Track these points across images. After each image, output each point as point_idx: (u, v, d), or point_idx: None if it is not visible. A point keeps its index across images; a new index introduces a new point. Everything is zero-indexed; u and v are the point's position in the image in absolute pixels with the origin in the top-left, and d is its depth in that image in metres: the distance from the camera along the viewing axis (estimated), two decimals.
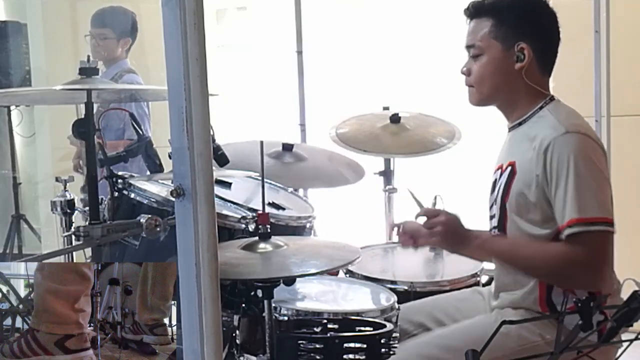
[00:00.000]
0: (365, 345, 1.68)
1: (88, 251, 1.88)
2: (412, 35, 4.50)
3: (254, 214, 1.97)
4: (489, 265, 2.29)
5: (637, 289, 1.27)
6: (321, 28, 4.60)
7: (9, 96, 2.54)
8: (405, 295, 2.20)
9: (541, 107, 1.96)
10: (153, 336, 1.45)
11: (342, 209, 4.00)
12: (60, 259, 1.84)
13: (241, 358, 1.86)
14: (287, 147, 2.61)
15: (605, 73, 3.20)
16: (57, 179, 2.08)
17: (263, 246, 1.75)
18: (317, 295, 2.03)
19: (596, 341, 1.45)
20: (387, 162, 2.99)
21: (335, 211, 3.55)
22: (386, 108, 3.00)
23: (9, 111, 4.38)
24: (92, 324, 1.47)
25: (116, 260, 1.84)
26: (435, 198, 2.40)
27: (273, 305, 1.71)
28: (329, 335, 1.74)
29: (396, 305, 1.92)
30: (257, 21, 5.07)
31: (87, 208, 1.81)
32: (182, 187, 1.17)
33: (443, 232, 1.94)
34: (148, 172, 2.21)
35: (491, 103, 2.05)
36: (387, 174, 2.99)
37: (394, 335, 1.75)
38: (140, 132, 2.18)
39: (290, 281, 1.74)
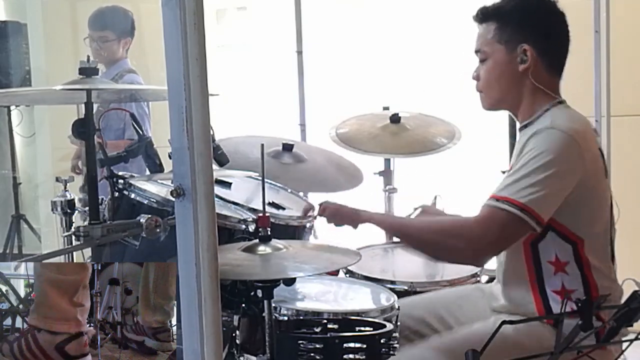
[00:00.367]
0: (365, 345, 1.68)
1: (88, 251, 1.88)
2: (412, 36, 4.50)
3: (254, 215, 1.97)
4: (489, 265, 2.29)
5: (637, 289, 1.27)
6: (321, 28, 4.60)
7: (9, 96, 2.54)
8: (405, 296, 2.20)
9: (547, 110, 1.96)
10: (155, 341, 1.45)
11: None
12: (60, 259, 1.84)
13: (241, 358, 1.86)
14: (287, 147, 2.61)
15: (605, 73, 3.20)
16: (57, 179, 2.08)
17: (263, 249, 1.74)
18: (317, 295, 2.03)
19: (593, 342, 1.45)
20: (387, 162, 2.99)
21: None
22: (386, 108, 3.00)
23: (9, 111, 4.38)
24: (92, 324, 1.47)
25: (116, 260, 1.84)
26: (435, 198, 2.40)
27: (273, 305, 1.71)
28: (329, 335, 1.74)
29: (396, 305, 1.92)
30: (257, 21, 5.08)
31: (87, 208, 1.81)
32: (182, 187, 1.17)
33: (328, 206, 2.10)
34: (148, 172, 2.21)
35: (501, 107, 2.06)
36: (387, 174, 2.99)
37: (394, 335, 1.75)
38: (141, 132, 2.18)
39: (290, 281, 1.73)
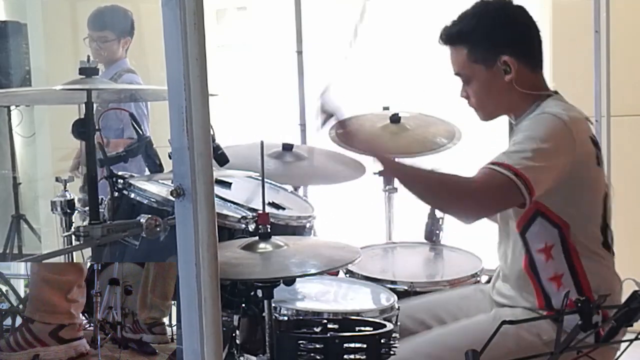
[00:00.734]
0: (365, 345, 1.68)
1: (88, 251, 1.88)
2: (412, 36, 4.50)
3: (254, 214, 1.98)
4: (489, 265, 2.29)
5: (637, 289, 1.27)
6: (321, 28, 4.60)
7: (9, 96, 2.54)
8: (405, 296, 2.20)
9: (539, 104, 1.97)
10: (152, 335, 1.46)
11: (342, 209, 4.00)
12: (60, 259, 1.84)
13: (241, 358, 1.86)
14: (287, 147, 2.61)
15: (605, 73, 3.20)
16: (57, 179, 2.08)
17: (263, 246, 1.75)
18: (317, 295, 2.03)
19: (594, 341, 1.45)
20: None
21: (335, 211, 3.55)
22: (386, 108, 3.00)
23: (9, 111, 4.38)
24: (92, 324, 1.47)
25: (116, 260, 1.84)
26: None
27: (273, 305, 1.71)
28: (329, 335, 1.74)
29: (396, 305, 1.92)
30: (257, 21, 5.07)
31: (86, 208, 1.81)
32: (182, 187, 1.17)
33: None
34: (148, 172, 2.21)
35: (499, 115, 2.07)
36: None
37: (393, 335, 1.75)
38: (140, 132, 2.18)
39: (290, 281, 1.74)
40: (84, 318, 1.47)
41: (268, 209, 1.84)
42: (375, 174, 2.45)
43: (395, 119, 2.82)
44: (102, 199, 1.89)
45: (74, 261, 1.91)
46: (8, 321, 1.50)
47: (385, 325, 1.76)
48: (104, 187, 1.91)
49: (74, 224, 1.97)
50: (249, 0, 5.16)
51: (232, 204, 2.10)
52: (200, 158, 1.17)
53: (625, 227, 1.93)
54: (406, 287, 2.24)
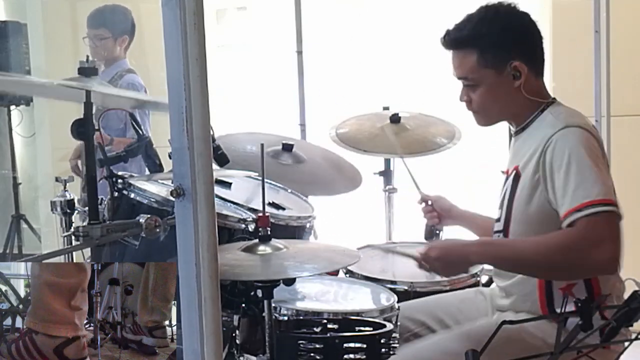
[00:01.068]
0: (365, 345, 1.68)
1: (88, 251, 1.88)
2: (412, 35, 4.50)
3: (254, 215, 1.97)
4: (489, 265, 2.29)
5: (637, 289, 1.27)
6: (321, 28, 4.60)
7: (8, 83, 2.47)
8: (405, 296, 2.20)
9: (542, 110, 1.97)
10: (152, 338, 1.45)
11: (342, 209, 4.00)
12: (60, 259, 1.84)
13: (241, 358, 1.86)
14: (287, 147, 2.61)
15: (605, 73, 3.20)
16: (57, 179, 2.09)
17: (263, 249, 1.74)
18: (317, 295, 2.03)
19: (597, 341, 1.45)
20: (387, 162, 2.99)
21: (335, 211, 3.55)
22: (386, 108, 3.00)
23: (9, 111, 4.39)
24: (92, 324, 1.47)
25: (116, 260, 1.84)
26: None
27: (273, 305, 1.71)
28: (329, 335, 1.74)
29: (396, 305, 1.92)
30: (257, 21, 5.07)
31: (86, 208, 1.81)
32: (182, 187, 1.17)
33: (438, 258, 1.89)
34: (147, 172, 2.21)
35: (499, 121, 2.06)
36: (387, 174, 2.99)
37: (393, 335, 1.75)
38: (140, 132, 2.18)
39: (290, 281, 1.73)
40: (89, 326, 1.46)
41: (268, 209, 1.83)
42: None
43: (395, 119, 2.82)
44: (101, 199, 1.89)
45: (75, 262, 1.91)
46: (8, 321, 1.50)
47: (385, 325, 1.76)
48: (103, 187, 1.91)
49: (73, 224, 1.97)
50: (249, 0, 5.16)
51: (232, 204, 2.10)
52: (200, 158, 1.17)
53: (626, 227, 1.92)
54: (406, 287, 2.24)
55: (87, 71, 1.86)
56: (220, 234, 1.76)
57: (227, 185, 2.25)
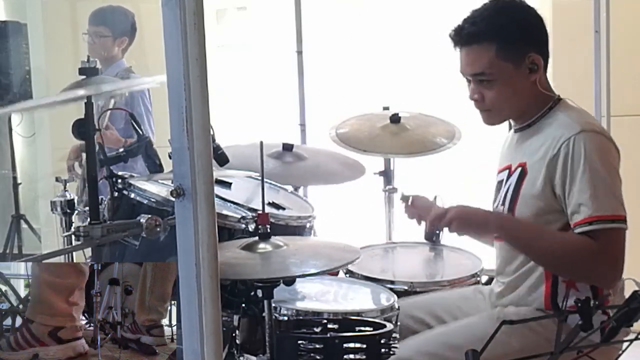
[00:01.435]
0: (365, 345, 1.68)
1: (88, 251, 1.88)
2: (412, 35, 4.50)
3: (254, 214, 1.97)
4: (489, 265, 2.29)
5: (637, 289, 1.27)
6: (321, 28, 4.60)
7: (11, 107, 2.50)
8: (405, 295, 2.20)
9: (550, 108, 1.97)
10: (150, 337, 1.46)
11: (342, 209, 4.01)
12: (60, 259, 1.84)
13: (241, 358, 1.86)
14: (287, 147, 2.61)
15: (605, 73, 3.20)
16: (57, 179, 2.08)
17: (263, 246, 1.75)
18: (317, 295, 2.03)
19: (598, 341, 1.45)
20: (387, 162, 2.99)
21: (335, 211, 3.55)
22: (386, 108, 3.00)
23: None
24: (92, 324, 1.47)
25: (116, 260, 1.84)
26: (435, 198, 2.40)
27: (273, 305, 1.71)
28: (329, 335, 1.74)
29: (396, 306, 1.92)
30: (257, 21, 5.07)
31: (86, 208, 1.81)
32: (182, 187, 1.17)
33: (457, 216, 1.88)
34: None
35: (507, 120, 2.06)
36: (387, 174, 2.99)
37: (393, 335, 1.75)
38: (140, 132, 2.18)
39: (290, 281, 1.74)
40: (84, 318, 1.47)
41: (268, 209, 1.84)
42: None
43: (395, 119, 2.82)
44: (102, 199, 1.89)
45: (75, 261, 1.91)
46: (8, 321, 1.50)
47: (385, 325, 1.76)
48: (103, 187, 1.91)
49: (74, 224, 1.97)
50: (249, 0, 5.16)
51: (232, 204, 2.10)
52: (200, 158, 1.17)
53: None
54: (406, 287, 2.24)
55: (88, 71, 1.86)
56: (220, 234, 1.76)
57: (227, 185, 2.25)
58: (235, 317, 1.88)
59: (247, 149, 2.29)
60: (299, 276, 1.78)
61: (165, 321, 1.47)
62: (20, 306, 1.50)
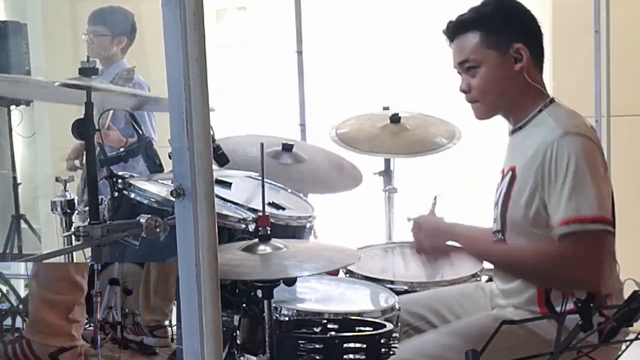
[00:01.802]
0: (365, 346, 1.68)
1: (88, 251, 1.88)
2: (412, 35, 4.50)
3: (254, 215, 1.97)
4: (489, 265, 2.29)
5: (637, 289, 1.27)
6: (321, 28, 4.60)
7: (9, 84, 2.47)
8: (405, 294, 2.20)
9: (540, 110, 1.97)
10: (153, 338, 1.45)
11: (342, 209, 4.01)
12: (60, 259, 1.84)
13: (241, 358, 1.86)
14: (287, 147, 2.61)
15: (605, 73, 3.20)
16: (57, 179, 2.09)
17: (263, 248, 1.75)
18: (318, 296, 2.03)
19: (597, 341, 1.45)
20: (387, 162, 2.99)
21: (335, 211, 3.55)
22: (386, 108, 3.00)
23: (9, 111, 4.39)
24: (92, 324, 1.47)
25: (116, 260, 1.84)
26: (435, 198, 2.40)
27: (273, 305, 1.71)
28: (329, 335, 1.74)
29: (396, 306, 1.92)
30: (257, 21, 5.07)
31: (87, 208, 1.81)
32: (182, 187, 1.17)
33: (424, 236, 1.98)
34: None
35: (497, 112, 2.06)
36: (387, 174, 2.99)
37: (394, 335, 1.75)
38: (140, 132, 2.19)
39: (290, 281, 1.73)
40: (89, 326, 1.46)
41: (268, 209, 1.83)
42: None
43: (395, 119, 2.82)
44: (102, 199, 1.89)
45: (70, 269, 1.90)
46: (8, 321, 1.50)
47: (385, 326, 1.76)
48: (104, 187, 1.92)
49: (74, 224, 1.97)
50: (249, 0, 5.17)
51: (232, 204, 2.10)
52: (200, 158, 1.17)
53: (626, 227, 1.92)
54: (406, 287, 2.23)
55: (87, 71, 1.86)
56: (220, 234, 1.76)
57: (227, 185, 2.25)
58: (236, 317, 1.88)
59: (245, 140, 2.28)
60: (299, 275, 1.78)
61: (166, 322, 1.47)
62: (20, 306, 1.50)
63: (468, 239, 2.09)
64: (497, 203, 2.01)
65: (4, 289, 1.51)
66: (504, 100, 2.01)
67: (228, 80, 4.92)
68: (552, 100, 2.00)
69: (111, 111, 2.62)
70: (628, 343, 1.38)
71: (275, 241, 1.76)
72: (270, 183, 2.38)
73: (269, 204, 2.16)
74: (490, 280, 2.29)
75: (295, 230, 2.19)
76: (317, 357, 1.67)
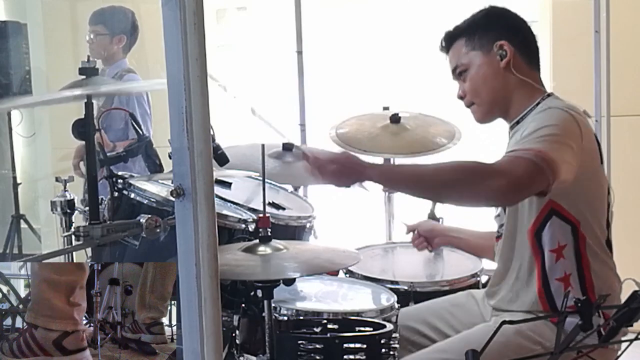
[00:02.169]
0: (365, 346, 1.68)
1: (88, 251, 1.88)
2: (412, 36, 4.50)
3: (254, 215, 1.97)
4: (489, 265, 2.29)
5: (637, 289, 1.27)
6: (321, 28, 4.60)
7: (10, 102, 2.50)
8: (406, 295, 2.20)
9: (538, 104, 1.98)
10: (150, 335, 1.45)
11: (342, 209, 4.00)
12: (60, 259, 1.84)
13: (241, 358, 1.86)
14: (288, 147, 2.61)
15: (605, 73, 3.20)
16: (57, 179, 2.08)
17: (263, 249, 1.75)
18: (317, 295, 2.03)
19: (596, 341, 1.45)
20: (387, 162, 2.99)
21: (335, 211, 3.55)
22: (386, 108, 3.00)
23: (9, 111, 4.38)
24: (92, 324, 1.47)
25: (116, 260, 1.84)
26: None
27: (273, 305, 1.71)
28: (328, 335, 1.74)
29: (396, 305, 1.92)
30: (257, 21, 5.07)
31: (87, 208, 1.81)
32: (182, 187, 1.17)
33: (335, 169, 1.82)
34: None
35: (494, 113, 2.06)
36: None
37: (393, 335, 1.75)
38: (140, 132, 2.19)
39: (290, 281, 1.73)
40: (89, 326, 1.46)
41: (268, 209, 1.83)
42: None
43: (395, 119, 2.83)
44: (102, 199, 1.89)
45: (74, 261, 1.91)
46: (8, 321, 1.50)
47: (385, 326, 1.76)
48: (104, 187, 1.92)
49: (74, 224, 1.97)
50: (249, 0, 5.17)
51: (232, 204, 2.10)
52: (200, 158, 1.17)
53: (625, 227, 1.93)
54: (406, 287, 2.24)
55: (88, 71, 1.86)
56: (220, 234, 1.76)
57: (227, 185, 2.25)
58: (235, 317, 1.88)
59: (246, 150, 2.29)
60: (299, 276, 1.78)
61: (165, 321, 1.47)
62: (20, 306, 1.50)
63: (382, 173, 1.88)
64: None
65: (4, 289, 1.51)
66: (498, 98, 2.02)
67: (228, 81, 4.92)
68: (549, 95, 2.00)
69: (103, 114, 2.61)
70: (628, 343, 1.38)
71: (275, 242, 1.76)
72: (271, 183, 2.38)
73: (269, 203, 2.16)
74: (489, 281, 2.29)
75: (296, 230, 2.19)
76: (317, 357, 1.67)
